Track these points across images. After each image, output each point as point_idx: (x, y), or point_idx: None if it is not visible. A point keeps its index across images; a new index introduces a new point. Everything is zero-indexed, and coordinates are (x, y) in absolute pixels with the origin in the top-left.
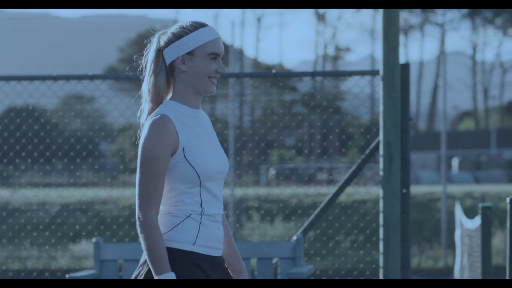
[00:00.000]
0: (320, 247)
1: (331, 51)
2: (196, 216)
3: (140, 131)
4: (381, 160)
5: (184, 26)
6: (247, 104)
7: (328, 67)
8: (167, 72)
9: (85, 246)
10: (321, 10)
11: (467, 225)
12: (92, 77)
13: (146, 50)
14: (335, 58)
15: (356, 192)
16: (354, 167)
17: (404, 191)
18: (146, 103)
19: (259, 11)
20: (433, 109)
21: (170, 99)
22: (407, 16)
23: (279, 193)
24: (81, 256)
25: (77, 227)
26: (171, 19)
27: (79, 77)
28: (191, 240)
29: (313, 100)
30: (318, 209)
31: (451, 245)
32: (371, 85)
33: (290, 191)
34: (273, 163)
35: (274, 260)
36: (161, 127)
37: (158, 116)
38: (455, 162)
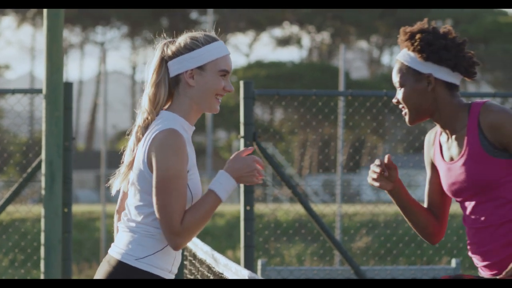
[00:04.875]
0: None
1: None
2: None
3: (130, 133)
4: (43, 179)
5: (196, 38)
6: None
7: None
8: (169, 84)
9: None
10: None
11: None
12: None
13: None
14: None
15: (17, 210)
16: (16, 185)
17: (66, 210)
18: (143, 113)
19: None
20: (92, 128)
21: (172, 111)
22: (68, 35)
23: None
24: None
25: None
26: None
27: None
28: (169, 268)
29: None
30: None
31: None
32: (32, 103)
33: None
34: None
35: None
36: (180, 142)
37: (171, 129)
38: None
